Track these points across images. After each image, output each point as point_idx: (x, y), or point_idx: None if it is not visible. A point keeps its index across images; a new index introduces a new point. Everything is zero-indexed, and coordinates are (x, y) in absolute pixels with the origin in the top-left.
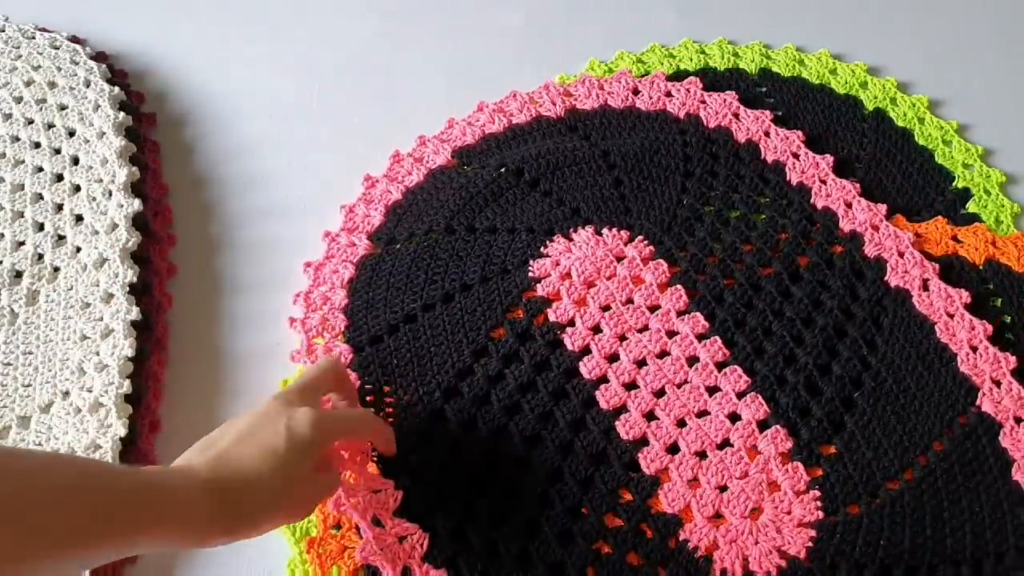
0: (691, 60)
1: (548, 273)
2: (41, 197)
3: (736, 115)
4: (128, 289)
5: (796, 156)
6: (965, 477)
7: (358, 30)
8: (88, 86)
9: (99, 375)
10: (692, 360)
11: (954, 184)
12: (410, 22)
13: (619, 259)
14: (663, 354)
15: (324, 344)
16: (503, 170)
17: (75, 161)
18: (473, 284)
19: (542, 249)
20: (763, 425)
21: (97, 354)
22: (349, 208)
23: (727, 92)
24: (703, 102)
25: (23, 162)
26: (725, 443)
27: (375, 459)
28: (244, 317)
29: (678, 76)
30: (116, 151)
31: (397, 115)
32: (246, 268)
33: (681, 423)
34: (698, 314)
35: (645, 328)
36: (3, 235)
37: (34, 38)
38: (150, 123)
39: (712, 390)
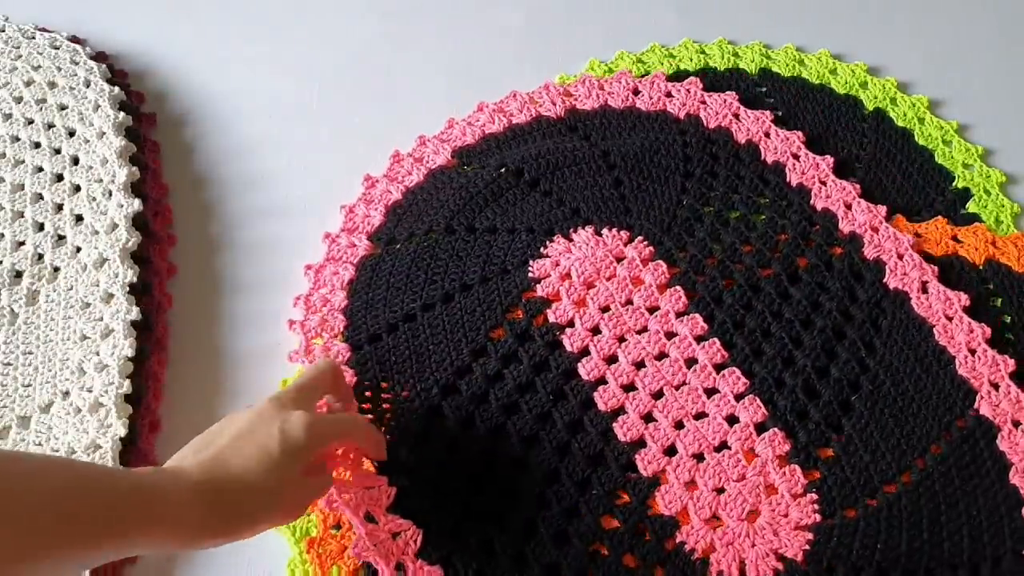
0: (691, 60)
1: (548, 273)
2: (41, 197)
3: (736, 116)
4: (128, 289)
5: (796, 157)
6: (962, 481)
7: (358, 30)
8: (88, 86)
9: (99, 375)
10: (690, 362)
11: (954, 184)
12: (410, 22)
13: (619, 260)
14: (662, 356)
15: (323, 344)
16: (503, 170)
17: (75, 161)
18: (473, 284)
19: (542, 249)
20: (761, 428)
21: (97, 354)
22: (349, 208)
23: (727, 92)
24: (703, 102)
25: (23, 162)
26: (723, 445)
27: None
28: (244, 317)
29: (678, 76)
30: (116, 151)
31: (397, 115)
32: (246, 268)
33: (679, 425)
34: (697, 315)
35: (644, 329)
36: (3, 235)
37: (34, 38)
38: (150, 123)
39: (710, 392)
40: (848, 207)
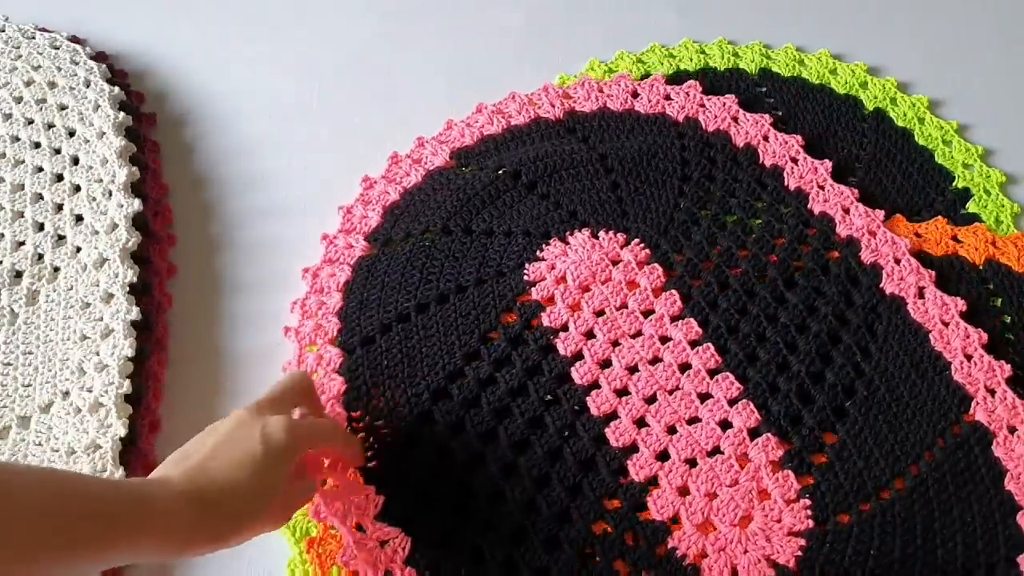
0: (691, 60)
1: (543, 276)
2: (41, 197)
3: (735, 119)
4: (128, 289)
5: (795, 161)
6: (957, 487)
7: (358, 30)
8: (88, 86)
9: (99, 375)
10: (684, 367)
11: (954, 184)
12: (410, 22)
13: (615, 262)
14: (655, 360)
15: (316, 352)
16: (501, 172)
17: (75, 161)
18: (468, 286)
19: (538, 252)
20: (754, 433)
21: (97, 354)
22: (347, 209)
23: (726, 96)
24: (702, 106)
25: (23, 162)
26: (716, 450)
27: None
28: (244, 317)
29: (678, 76)
30: (116, 151)
31: (397, 115)
32: (246, 268)
33: (672, 430)
34: (692, 320)
35: (638, 334)
36: (3, 235)
37: (34, 38)
38: (150, 123)
39: (704, 397)
40: (846, 211)
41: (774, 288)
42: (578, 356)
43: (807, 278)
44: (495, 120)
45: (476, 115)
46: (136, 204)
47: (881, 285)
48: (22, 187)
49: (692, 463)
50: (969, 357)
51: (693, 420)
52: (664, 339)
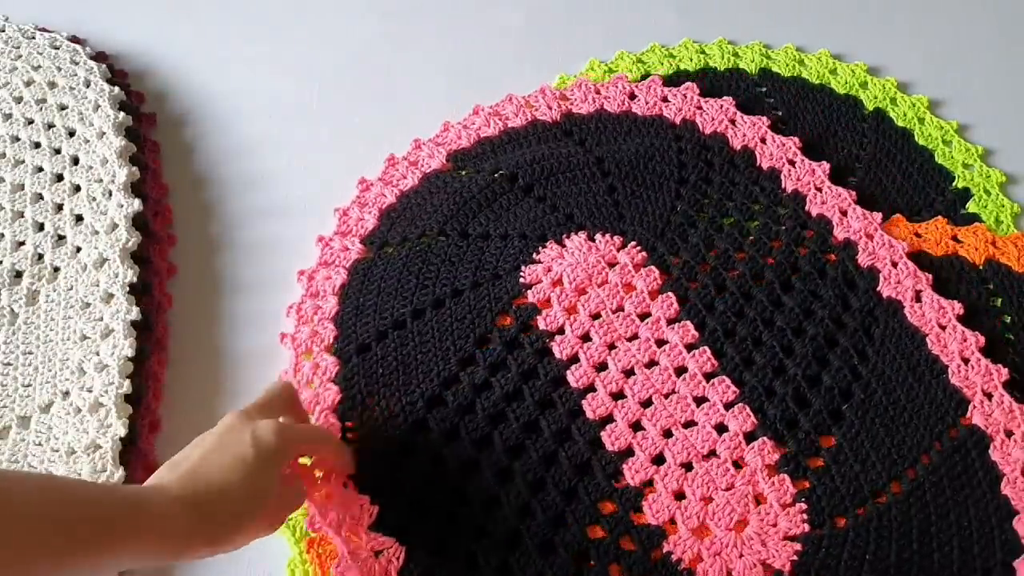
0: (691, 60)
1: (539, 279)
2: (41, 197)
3: (732, 121)
4: (128, 289)
5: (792, 163)
6: (954, 491)
7: (358, 30)
8: (88, 86)
9: (99, 375)
10: (680, 370)
11: (954, 184)
12: (410, 22)
13: (611, 265)
14: (651, 363)
15: (312, 360)
16: (497, 175)
17: (75, 161)
18: (464, 290)
19: (534, 255)
20: (750, 436)
21: (97, 354)
22: (343, 211)
23: (724, 98)
24: (699, 108)
25: (23, 162)
26: (711, 454)
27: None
28: (244, 317)
29: (678, 76)
30: (116, 151)
31: (397, 115)
32: (246, 268)
33: (667, 433)
34: (688, 323)
35: (635, 337)
36: (3, 235)
37: (34, 38)
38: (150, 123)
39: (700, 400)
40: (843, 213)
41: (771, 291)
42: (574, 359)
43: (804, 281)
44: (492, 122)
45: (473, 117)
46: (136, 204)
47: (878, 288)
48: (22, 187)
49: (688, 467)
50: (966, 360)
51: (689, 424)
52: (660, 342)
